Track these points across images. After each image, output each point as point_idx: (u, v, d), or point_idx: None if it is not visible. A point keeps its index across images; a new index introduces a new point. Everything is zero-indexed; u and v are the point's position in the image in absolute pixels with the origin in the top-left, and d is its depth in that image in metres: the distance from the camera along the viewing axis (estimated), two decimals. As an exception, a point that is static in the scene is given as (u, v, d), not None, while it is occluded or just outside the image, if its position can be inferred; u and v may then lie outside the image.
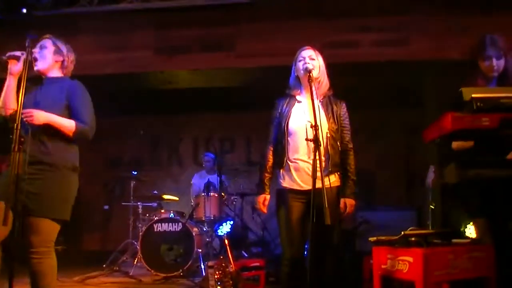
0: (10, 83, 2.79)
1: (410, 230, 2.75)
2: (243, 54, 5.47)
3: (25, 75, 2.61)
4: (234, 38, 5.51)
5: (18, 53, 2.78)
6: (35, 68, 2.90)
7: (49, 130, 2.74)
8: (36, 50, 2.91)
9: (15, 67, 2.78)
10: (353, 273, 4.22)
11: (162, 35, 5.65)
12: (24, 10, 5.08)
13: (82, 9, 5.38)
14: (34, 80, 2.93)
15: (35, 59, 2.89)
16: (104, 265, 5.78)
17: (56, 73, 2.99)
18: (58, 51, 2.98)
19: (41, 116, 2.67)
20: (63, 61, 3.00)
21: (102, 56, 5.70)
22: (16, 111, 2.55)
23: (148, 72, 5.76)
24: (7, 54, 2.78)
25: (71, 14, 5.46)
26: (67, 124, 2.81)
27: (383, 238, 2.77)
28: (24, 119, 2.59)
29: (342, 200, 2.95)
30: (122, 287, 4.81)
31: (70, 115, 2.86)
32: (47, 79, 2.96)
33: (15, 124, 2.45)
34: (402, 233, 2.66)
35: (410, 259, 2.49)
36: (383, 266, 2.69)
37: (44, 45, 2.95)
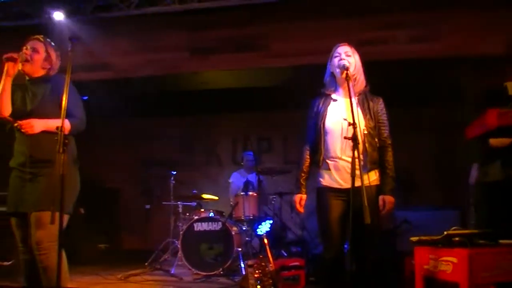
0: (7, 83, 2.85)
1: (453, 230, 2.67)
2: (277, 53, 5.47)
3: (69, 77, 2.66)
4: (267, 38, 5.52)
5: (15, 55, 2.87)
6: (21, 68, 2.93)
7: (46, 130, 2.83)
8: (28, 52, 2.96)
9: (12, 69, 2.85)
10: (393, 274, 4.14)
11: (196, 37, 5.73)
12: (59, 16, 5.22)
13: (119, 13, 5.51)
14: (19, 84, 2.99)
15: (26, 60, 2.93)
16: (146, 264, 5.89)
17: (40, 72, 3.04)
18: (47, 58, 3.04)
19: (38, 125, 2.78)
20: (49, 69, 3.06)
21: (138, 58, 5.83)
22: (7, 118, 2.75)
23: (184, 73, 5.83)
24: (4, 56, 2.85)
25: (108, 18, 5.59)
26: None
27: (424, 238, 2.71)
28: (23, 131, 2.73)
29: (380, 198, 2.90)
30: (164, 285, 4.88)
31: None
32: (33, 80, 3.02)
33: (60, 127, 2.53)
34: (445, 233, 2.59)
35: (454, 259, 2.42)
36: (425, 267, 2.64)
37: (36, 49, 3.01)
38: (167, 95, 7.03)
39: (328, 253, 2.92)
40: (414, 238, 2.76)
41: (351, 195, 2.52)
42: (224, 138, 8.31)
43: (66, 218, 2.82)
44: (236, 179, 6.63)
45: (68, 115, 2.88)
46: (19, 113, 2.88)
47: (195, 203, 6.25)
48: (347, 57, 2.98)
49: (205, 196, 6.14)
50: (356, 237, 2.56)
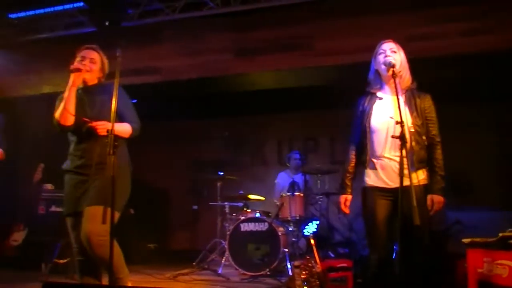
0: (71, 94, 2.94)
1: (509, 231, 2.55)
2: (322, 52, 5.41)
3: (118, 82, 2.75)
4: (312, 37, 5.47)
5: (81, 66, 2.98)
6: (75, 77, 2.97)
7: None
8: (86, 62, 3.05)
9: (78, 80, 2.96)
10: (445, 277, 4.00)
11: (241, 38, 5.76)
12: (107, 23, 5.39)
13: (165, 17, 5.63)
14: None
15: (81, 70, 3.00)
16: (193, 263, 5.97)
17: (94, 81, 3.15)
18: (102, 68, 3.16)
19: (109, 127, 2.83)
20: (101, 76, 3.18)
21: (185, 61, 5.94)
22: (84, 122, 2.80)
23: (230, 74, 5.88)
24: (71, 67, 2.96)
25: (155, 24, 5.73)
26: (125, 130, 3.03)
27: (478, 240, 2.61)
28: (99, 132, 2.81)
29: (429, 197, 2.81)
30: (211, 284, 4.93)
31: (119, 117, 2.98)
32: (89, 87, 3.11)
33: (110, 129, 2.62)
34: (500, 234, 2.48)
35: (511, 263, 2.31)
36: (479, 270, 2.54)
37: (94, 60, 3.11)
38: (213, 97, 7.11)
39: (375, 254, 2.86)
40: (466, 240, 2.66)
41: (400, 195, 2.45)
42: (270, 138, 8.31)
43: (116, 215, 2.90)
44: (282, 179, 6.62)
45: (126, 120, 3.04)
46: (79, 120, 2.94)
47: (241, 204, 6.29)
48: (393, 54, 2.92)
49: (251, 196, 6.16)
50: (405, 238, 2.49)
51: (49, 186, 5.97)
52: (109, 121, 2.81)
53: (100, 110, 2.97)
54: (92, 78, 3.12)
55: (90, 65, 3.07)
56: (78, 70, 2.95)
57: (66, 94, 2.93)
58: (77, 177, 2.99)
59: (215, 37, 5.86)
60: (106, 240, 2.70)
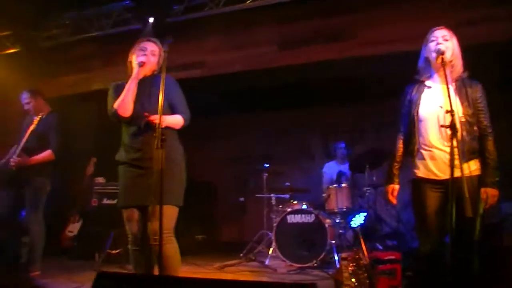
0: (133, 86, 2.99)
1: None
2: (367, 42, 5.29)
3: (164, 76, 2.80)
4: (356, 26, 5.36)
5: (145, 60, 3.03)
6: (140, 70, 3.03)
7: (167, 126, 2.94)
8: (148, 54, 3.08)
9: (142, 73, 3.02)
10: (499, 271, 3.85)
11: (285, 30, 5.73)
12: (151, 20, 5.48)
13: (209, 12, 5.67)
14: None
15: (145, 63, 3.05)
16: (241, 255, 6.04)
17: (148, 73, 3.15)
18: (159, 62, 3.17)
19: (166, 121, 2.87)
20: (155, 69, 3.18)
21: (230, 55, 5.97)
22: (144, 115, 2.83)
23: (274, 67, 5.86)
24: (138, 61, 3.01)
25: (199, 18, 5.78)
26: (177, 121, 3.05)
27: (535, 232, 2.49)
28: (156, 125, 2.77)
29: (482, 190, 2.71)
30: (258, 276, 4.97)
31: (171, 109, 3.06)
32: (145, 78, 3.12)
33: (158, 123, 2.66)
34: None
35: None
36: (536, 264, 2.43)
37: (154, 52, 3.13)
38: (259, 90, 7.12)
39: (425, 247, 2.80)
40: (522, 233, 2.55)
41: (450, 186, 2.38)
42: (316, 130, 8.25)
43: (176, 210, 3.00)
44: (329, 169, 6.59)
45: (177, 111, 3.07)
46: (137, 111, 2.98)
47: (288, 196, 6.29)
48: (445, 42, 2.82)
49: (297, 188, 6.16)
50: (457, 231, 2.41)
51: (100, 180, 6.17)
52: (163, 112, 2.86)
53: (155, 102, 2.94)
54: (149, 71, 3.14)
55: (153, 58, 3.12)
56: (142, 64, 3.00)
57: (128, 86, 2.98)
58: (135, 170, 2.98)
59: (259, 29, 5.85)
60: (172, 237, 2.87)
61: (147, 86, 3.09)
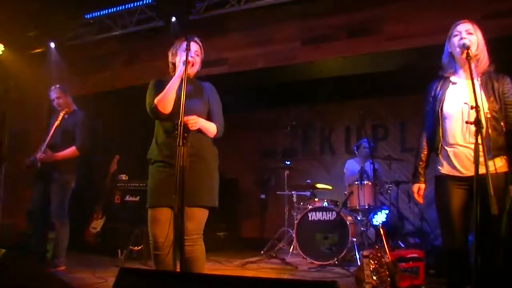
0: (176, 83, 2.94)
1: None
2: (392, 36, 5.21)
3: (186, 77, 2.76)
4: (381, 21, 5.29)
5: (192, 60, 3.01)
6: (186, 68, 2.95)
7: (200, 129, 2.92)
8: (194, 55, 3.06)
9: (187, 71, 2.89)
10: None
11: (308, 25, 5.69)
12: (174, 19, 5.51)
13: (231, 9, 5.68)
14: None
15: (192, 64, 3.04)
16: (262, 252, 6.05)
17: (192, 74, 3.13)
18: (201, 61, 3.18)
19: (199, 123, 2.85)
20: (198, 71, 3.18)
21: (252, 51, 5.97)
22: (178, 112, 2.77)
23: (297, 63, 5.83)
24: (187, 59, 2.89)
25: (221, 15, 5.80)
26: (212, 129, 3.00)
27: None
28: (189, 125, 2.74)
29: (511, 187, 2.64)
30: (279, 273, 4.97)
31: (209, 115, 3.05)
32: (189, 80, 3.07)
33: (179, 121, 2.61)
34: None
35: None
36: None
37: (198, 53, 3.13)
38: (281, 86, 7.11)
39: (448, 245, 2.76)
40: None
41: (475, 183, 2.34)
42: (338, 126, 8.19)
43: (207, 212, 2.96)
44: (351, 166, 6.53)
45: (214, 119, 3.05)
46: (175, 110, 2.91)
47: (309, 193, 6.27)
48: (469, 36, 2.75)
49: (318, 185, 6.14)
50: (482, 229, 2.36)
51: (123, 177, 6.25)
52: (200, 114, 2.88)
53: (194, 103, 2.96)
54: (194, 72, 3.14)
55: (197, 58, 3.11)
56: (189, 63, 2.94)
57: (171, 83, 2.95)
58: (168, 170, 2.89)
59: (281, 25, 5.84)
60: (201, 239, 2.89)
61: (189, 87, 3.01)
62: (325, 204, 5.64)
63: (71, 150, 4.71)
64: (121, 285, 2.01)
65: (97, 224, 6.23)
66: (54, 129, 4.75)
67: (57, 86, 4.99)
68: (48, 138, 4.70)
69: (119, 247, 5.70)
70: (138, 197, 5.95)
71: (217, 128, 3.04)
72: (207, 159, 2.97)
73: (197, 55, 3.12)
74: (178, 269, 2.69)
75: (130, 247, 5.38)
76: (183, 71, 2.84)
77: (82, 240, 6.03)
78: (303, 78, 6.56)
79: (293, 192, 6.34)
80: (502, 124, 2.70)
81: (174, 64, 3.13)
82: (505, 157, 2.71)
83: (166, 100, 2.93)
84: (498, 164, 2.65)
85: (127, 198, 6.02)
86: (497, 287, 2.60)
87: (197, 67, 3.14)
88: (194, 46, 3.11)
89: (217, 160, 3.10)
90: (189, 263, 2.76)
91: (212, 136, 3.01)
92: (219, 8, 5.77)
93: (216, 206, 3.01)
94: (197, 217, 2.85)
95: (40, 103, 6.70)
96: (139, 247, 5.50)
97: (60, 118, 4.79)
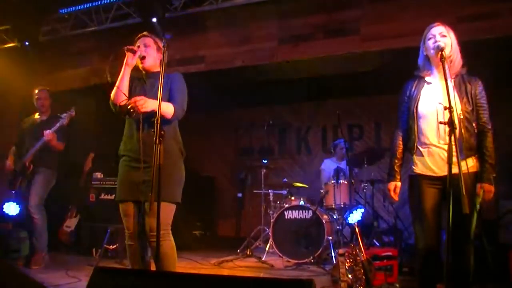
0: (126, 72, 2.98)
1: None
2: (368, 37, 5.28)
3: (162, 74, 2.76)
4: (358, 21, 5.35)
5: (135, 48, 3.02)
6: (143, 65, 3.09)
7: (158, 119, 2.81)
8: (142, 49, 3.08)
9: (131, 60, 2.98)
10: (496, 268, 3.87)
11: (285, 25, 5.71)
12: (154, 19, 5.48)
13: (208, 7, 5.66)
14: (137, 77, 3.14)
15: (143, 57, 3.06)
16: (238, 250, 6.06)
17: (157, 68, 3.14)
18: (159, 49, 3.16)
19: (150, 103, 2.81)
20: (161, 60, 3.12)
21: (229, 50, 5.96)
22: (127, 102, 2.81)
23: (274, 62, 5.85)
24: (125, 47, 2.99)
25: (198, 13, 5.77)
26: (168, 110, 2.92)
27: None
28: (137, 105, 2.75)
29: (478, 186, 2.71)
30: (255, 271, 4.98)
31: (168, 99, 3.01)
32: (151, 74, 3.14)
33: (156, 119, 2.61)
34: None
35: None
36: (533, 261, 2.43)
37: (147, 44, 3.13)
38: (258, 85, 7.11)
39: (422, 243, 2.81)
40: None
41: (448, 183, 2.38)
42: (315, 126, 8.24)
43: (173, 207, 2.97)
44: (327, 166, 6.58)
45: (172, 100, 2.99)
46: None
47: (285, 191, 6.30)
48: (442, 38, 2.81)
49: (295, 184, 6.16)
50: (454, 227, 2.41)
51: (98, 175, 6.17)
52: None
53: (155, 94, 2.90)
54: (154, 64, 3.15)
55: (146, 50, 3.10)
56: (131, 50, 2.98)
57: (121, 74, 2.99)
58: (132, 163, 2.96)
59: (259, 24, 5.84)
60: (169, 234, 2.89)
61: (152, 80, 3.09)
62: (302, 202, 5.67)
63: (61, 144, 4.95)
64: (95, 284, 1.99)
65: (71, 223, 6.13)
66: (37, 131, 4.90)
67: (44, 89, 5.21)
68: (40, 143, 4.81)
69: (94, 246, 5.62)
70: (114, 195, 5.87)
71: (174, 108, 2.96)
72: (169, 152, 2.92)
73: (147, 46, 3.12)
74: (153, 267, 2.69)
75: (105, 246, 5.32)
76: (128, 59, 2.95)
77: (55, 239, 5.92)
78: (281, 77, 6.58)
79: (269, 190, 6.35)
80: (474, 125, 2.76)
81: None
82: (476, 157, 2.78)
83: (117, 91, 2.95)
84: (470, 164, 2.72)
85: (102, 196, 5.94)
86: (467, 283, 2.66)
87: (151, 60, 3.13)
88: (143, 40, 3.15)
89: (180, 154, 3.09)
90: (157, 259, 2.73)
91: (169, 116, 2.93)
92: (196, 6, 5.74)
93: (179, 202, 3.00)
94: (161, 213, 2.68)
95: (8, 100, 6.57)
96: (114, 246, 5.44)
97: (40, 121, 5.09)
